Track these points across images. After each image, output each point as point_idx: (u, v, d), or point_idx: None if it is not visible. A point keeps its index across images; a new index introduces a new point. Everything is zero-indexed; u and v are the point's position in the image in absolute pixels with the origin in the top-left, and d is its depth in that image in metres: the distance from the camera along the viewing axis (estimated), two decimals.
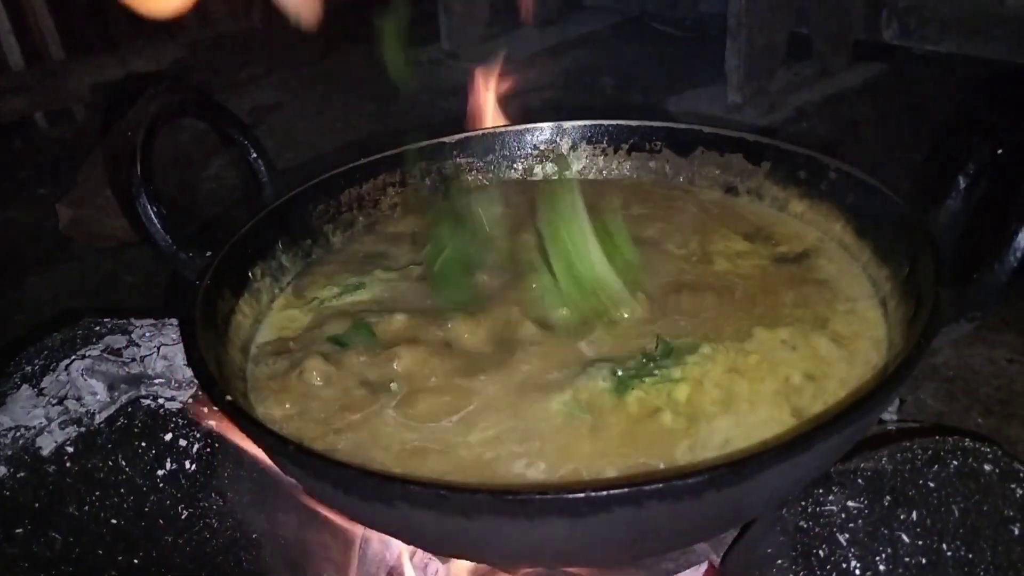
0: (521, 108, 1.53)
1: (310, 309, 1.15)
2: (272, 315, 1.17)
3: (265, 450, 0.88)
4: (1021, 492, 0.91)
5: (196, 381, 1.08)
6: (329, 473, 0.81)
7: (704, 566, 1.10)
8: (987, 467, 0.93)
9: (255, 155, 1.27)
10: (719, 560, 1.06)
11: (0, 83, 3.48)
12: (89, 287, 2.53)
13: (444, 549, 0.95)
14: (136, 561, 1.02)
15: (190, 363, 0.92)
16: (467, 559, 0.99)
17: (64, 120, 3.68)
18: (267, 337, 1.13)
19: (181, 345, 1.13)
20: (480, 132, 1.46)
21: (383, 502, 0.78)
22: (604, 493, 0.72)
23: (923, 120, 3.02)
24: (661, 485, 0.72)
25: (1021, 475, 0.93)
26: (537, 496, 0.73)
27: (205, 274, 1.06)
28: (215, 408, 1.01)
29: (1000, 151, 1.01)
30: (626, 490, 0.72)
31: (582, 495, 0.72)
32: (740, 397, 0.94)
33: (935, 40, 3.60)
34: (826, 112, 3.25)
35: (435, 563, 1.27)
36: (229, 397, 0.86)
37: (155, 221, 1.08)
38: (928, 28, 3.61)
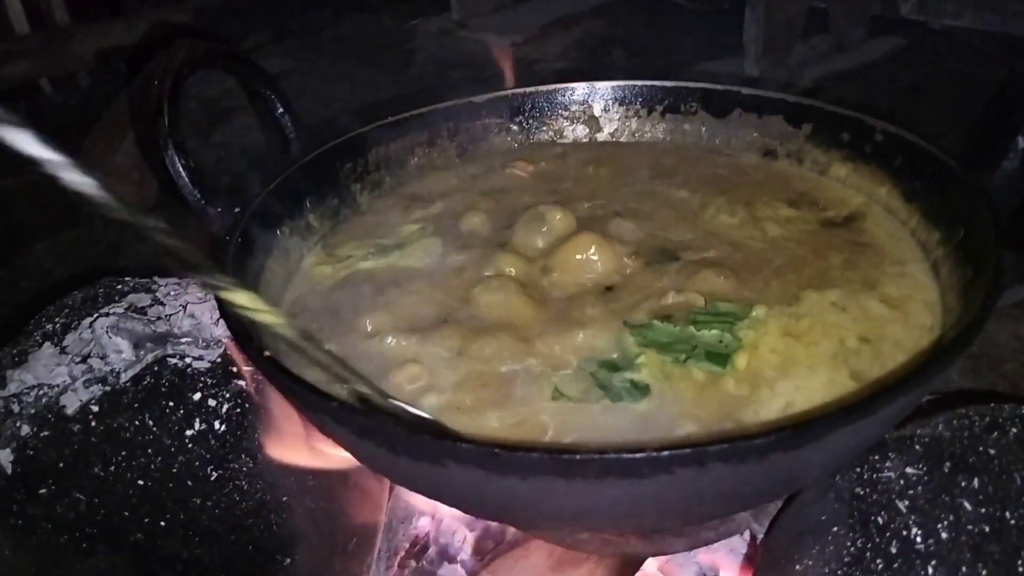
0: (533, 79, 1.47)
1: (344, 267, 1.11)
2: (303, 272, 1.13)
3: (304, 408, 0.85)
4: None
5: (228, 338, 1.04)
6: (375, 430, 0.77)
7: (746, 535, 1.08)
8: None
9: (282, 110, 1.23)
10: (762, 530, 1.03)
11: (4, 47, 3.43)
12: (96, 254, 2.49)
13: (491, 512, 0.91)
14: (163, 523, 0.99)
15: (225, 319, 0.89)
16: (512, 524, 0.96)
17: (70, 87, 3.63)
18: (298, 293, 1.09)
19: (208, 303, 1.10)
20: (509, 92, 1.41)
21: (431, 461, 0.75)
22: (667, 454, 0.69)
23: (939, 95, 2.98)
24: (726, 446, 0.69)
25: None
26: (598, 455, 0.69)
27: (235, 229, 1.02)
28: (251, 365, 0.98)
29: None
30: (688, 451, 0.69)
31: (643, 455, 0.69)
32: (798, 361, 0.90)
33: (953, 15, 3.55)
34: (844, 86, 3.20)
35: (463, 530, 1.25)
36: (267, 352, 0.83)
37: (183, 174, 1.04)
38: (946, 3, 3.56)
